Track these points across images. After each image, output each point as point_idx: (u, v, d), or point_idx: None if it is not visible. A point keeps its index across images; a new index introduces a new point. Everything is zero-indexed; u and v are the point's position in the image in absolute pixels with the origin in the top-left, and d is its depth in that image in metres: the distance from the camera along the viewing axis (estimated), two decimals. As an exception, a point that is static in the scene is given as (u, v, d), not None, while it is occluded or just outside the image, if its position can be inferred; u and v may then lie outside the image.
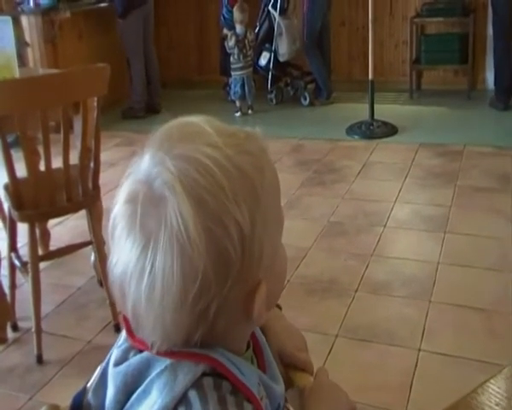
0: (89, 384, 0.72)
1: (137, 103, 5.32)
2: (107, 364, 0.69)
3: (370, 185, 3.68)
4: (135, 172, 0.62)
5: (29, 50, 4.73)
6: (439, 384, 1.98)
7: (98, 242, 2.36)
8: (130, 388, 0.64)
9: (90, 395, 0.70)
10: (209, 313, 0.60)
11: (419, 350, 2.15)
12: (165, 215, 0.58)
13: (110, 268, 0.63)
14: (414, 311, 2.39)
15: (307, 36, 5.15)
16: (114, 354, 0.68)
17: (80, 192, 2.28)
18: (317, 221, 3.17)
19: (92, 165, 2.33)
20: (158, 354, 0.63)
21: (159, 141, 0.63)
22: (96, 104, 2.23)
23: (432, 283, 2.56)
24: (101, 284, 2.59)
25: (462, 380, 1.95)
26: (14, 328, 2.40)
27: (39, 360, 2.20)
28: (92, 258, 2.67)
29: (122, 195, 0.62)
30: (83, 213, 2.41)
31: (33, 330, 2.20)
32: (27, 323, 2.35)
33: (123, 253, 0.61)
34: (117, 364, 0.67)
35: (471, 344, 2.17)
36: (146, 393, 0.62)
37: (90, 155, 2.31)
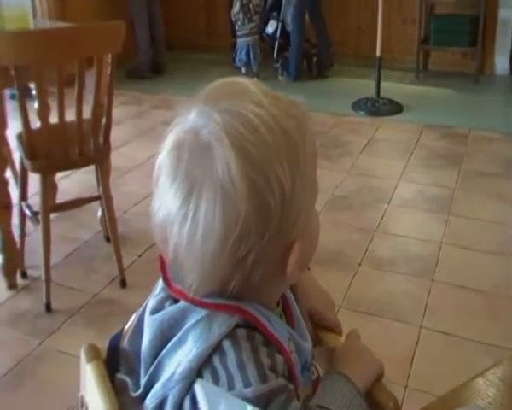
0: (125, 329, 0.75)
1: (143, 64, 5.26)
2: (143, 313, 0.71)
3: (375, 162, 3.69)
4: (181, 123, 0.64)
5: (37, 2, 4.64)
6: (440, 362, 2.02)
7: (107, 197, 2.36)
8: (165, 335, 0.66)
9: (126, 342, 0.73)
10: (247, 261, 0.62)
11: (421, 327, 2.19)
12: (211, 163, 0.60)
13: (152, 212, 0.65)
14: (416, 288, 2.42)
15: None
16: (151, 302, 0.71)
17: (92, 147, 2.27)
18: (322, 194, 3.14)
19: (104, 121, 2.31)
20: (193, 301, 0.65)
21: (205, 97, 0.65)
22: (110, 61, 2.21)
23: (435, 262, 2.59)
24: (107, 240, 2.60)
25: (462, 360, 2.00)
26: (23, 275, 2.43)
27: (48, 307, 2.24)
28: (99, 213, 2.67)
29: (168, 143, 0.64)
30: (89, 168, 2.40)
31: (43, 278, 2.22)
32: (36, 271, 2.39)
33: (167, 198, 0.63)
34: (153, 312, 0.69)
35: (471, 325, 2.21)
36: (181, 342, 0.65)
37: (103, 110, 2.30)
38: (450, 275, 2.51)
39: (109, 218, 2.35)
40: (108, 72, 2.23)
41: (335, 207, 3.07)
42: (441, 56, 5.57)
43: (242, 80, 0.68)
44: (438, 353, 2.08)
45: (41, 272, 2.23)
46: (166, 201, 0.63)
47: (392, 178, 3.40)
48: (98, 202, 2.51)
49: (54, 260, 2.38)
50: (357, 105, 4.62)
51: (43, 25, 3.12)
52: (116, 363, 0.73)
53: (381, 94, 4.62)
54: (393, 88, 4.91)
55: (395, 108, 4.58)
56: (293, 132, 0.64)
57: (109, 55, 2.20)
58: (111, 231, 2.36)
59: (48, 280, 2.22)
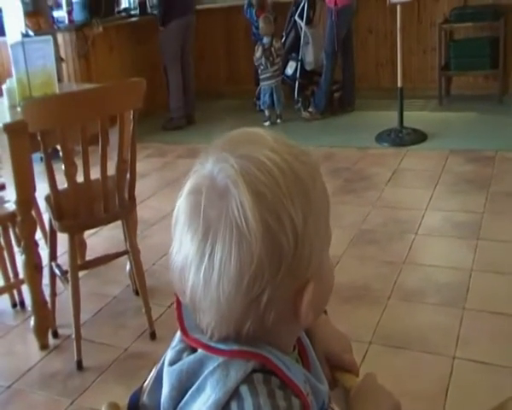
0: (145, 385, 0.76)
1: (176, 112, 5.35)
2: (162, 365, 0.73)
3: (401, 193, 3.68)
4: (199, 169, 0.67)
5: (64, 66, 4.85)
6: (475, 392, 1.97)
7: (134, 251, 2.41)
8: (184, 385, 0.68)
9: (145, 397, 0.74)
10: (261, 302, 0.64)
11: (453, 358, 2.15)
12: (226, 205, 0.63)
13: (171, 256, 0.68)
14: (447, 318, 2.39)
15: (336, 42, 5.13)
16: (169, 354, 0.72)
17: (117, 203, 2.33)
18: (348, 229, 3.18)
19: (128, 176, 2.38)
20: (210, 350, 0.67)
21: (223, 144, 0.68)
22: (132, 117, 2.28)
23: (465, 290, 2.55)
24: (136, 293, 2.64)
25: (498, 388, 1.94)
26: (55, 335, 2.47)
27: (79, 366, 2.27)
28: (128, 267, 2.72)
29: (186, 188, 0.67)
30: (117, 223, 2.46)
31: (73, 337, 2.27)
32: (67, 330, 2.43)
33: (184, 242, 0.65)
34: (172, 363, 0.70)
35: (507, 352, 2.16)
36: (200, 390, 0.66)
37: (127, 166, 2.36)
38: (483, 302, 2.47)
39: (137, 271, 2.40)
40: (131, 128, 2.30)
41: (362, 242, 3.06)
42: (463, 81, 5.56)
43: (257, 129, 0.71)
44: (473, 383, 2.03)
45: (72, 331, 2.28)
46: (184, 244, 0.65)
47: (418, 208, 3.38)
48: (126, 256, 2.56)
49: (84, 317, 2.43)
50: (381, 137, 4.63)
51: (69, 88, 3.26)
52: None
53: (405, 124, 4.63)
54: (416, 117, 4.91)
55: (419, 136, 4.57)
56: (305, 176, 0.66)
57: (131, 112, 2.28)
58: (139, 285, 2.41)
59: (78, 338, 2.26)
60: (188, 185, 0.67)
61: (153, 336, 2.40)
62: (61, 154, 2.40)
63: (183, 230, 0.65)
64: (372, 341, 2.28)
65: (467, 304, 2.45)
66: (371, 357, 2.19)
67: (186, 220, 0.65)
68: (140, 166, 4.16)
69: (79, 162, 2.30)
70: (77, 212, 2.24)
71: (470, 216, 3.23)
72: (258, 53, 5.22)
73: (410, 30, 5.52)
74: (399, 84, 4.56)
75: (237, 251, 0.62)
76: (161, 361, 0.74)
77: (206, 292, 0.64)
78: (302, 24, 5.38)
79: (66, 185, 2.26)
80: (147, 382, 0.76)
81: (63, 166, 2.26)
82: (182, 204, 0.67)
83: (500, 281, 2.61)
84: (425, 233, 3.12)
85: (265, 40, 5.22)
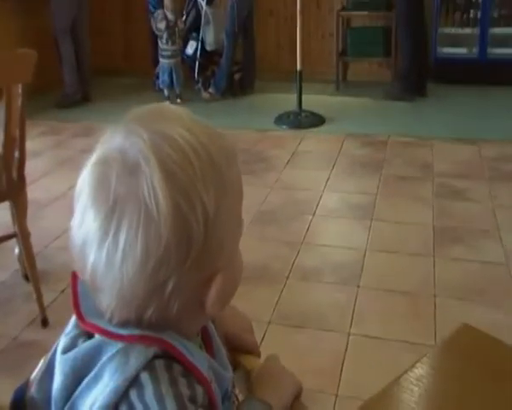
0: (32, 377, 0.70)
1: (70, 87, 5.09)
2: (54, 354, 0.67)
3: (299, 174, 3.75)
4: (108, 140, 0.63)
5: None
6: (369, 366, 2.05)
7: (24, 234, 2.27)
8: (79, 374, 0.63)
9: (33, 389, 0.68)
10: (166, 289, 0.61)
11: (349, 334, 2.22)
12: (136, 183, 0.59)
13: (72, 230, 0.63)
14: (343, 296, 2.46)
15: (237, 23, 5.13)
16: (62, 341, 0.67)
17: (4, 183, 2.19)
18: (247, 210, 3.12)
19: (17, 155, 2.24)
20: (109, 334, 0.62)
21: (136, 117, 0.64)
22: (20, 91, 2.14)
23: (360, 269, 2.64)
24: (26, 278, 2.49)
25: (389, 361, 2.03)
26: None
27: (-40, 363, 2.10)
28: (16, 251, 2.57)
29: (93, 158, 0.63)
30: (4, 204, 2.31)
31: (-46, 330, 2.10)
32: None
33: (88, 215, 0.61)
34: (65, 351, 0.65)
35: (398, 326, 2.26)
36: (97, 378, 0.62)
37: (15, 144, 2.22)
38: (375, 280, 2.57)
39: (26, 255, 2.26)
40: (19, 103, 2.16)
41: (261, 223, 3.08)
42: (359, 67, 5.75)
43: (173, 106, 0.68)
44: (366, 357, 2.12)
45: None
46: (87, 218, 0.61)
47: (316, 190, 3.46)
48: (15, 239, 2.41)
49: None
50: (280, 119, 4.68)
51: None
52: None
53: (303, 107, 4.71)
54: (315, 100, 5.00)
55: (317, 119, 4.67)
56: (220, 161, 0.63)
57: (19, 86, 2.13)
58: (29, 269, 2.28)
59: (-40, 329, 2.10)
60: (95, 156, 0.62)
61: (44, 322, 2.27)
62: None
63: (88, 203, 0.61)
64: (271, 320, 2.31)
65: (361, 282, 2.54)
66: (270, 336, 2.21)
67: (91, 193, 0.61)
68: (32, 145, 3.96)
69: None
70: (-42, 191, 2.08)
71: (365, 198, 3.34)
72: (163, 25, 5.09)
73: (310, 15, 5.60)
74: (298, 68, 4.62)
75: (144, 232, 0.59)
76: (53, 350, 0.68)
77: (108, 271, 0.60)
78: (203, 3, 5.30)
79: None
80: (34, 374, 0.70)
81: None
82: (87, 175, 0.62)
83: (392, 260, 2.73)
84: (322, 214, 3.19)
85: (170, 16, 5.12)
